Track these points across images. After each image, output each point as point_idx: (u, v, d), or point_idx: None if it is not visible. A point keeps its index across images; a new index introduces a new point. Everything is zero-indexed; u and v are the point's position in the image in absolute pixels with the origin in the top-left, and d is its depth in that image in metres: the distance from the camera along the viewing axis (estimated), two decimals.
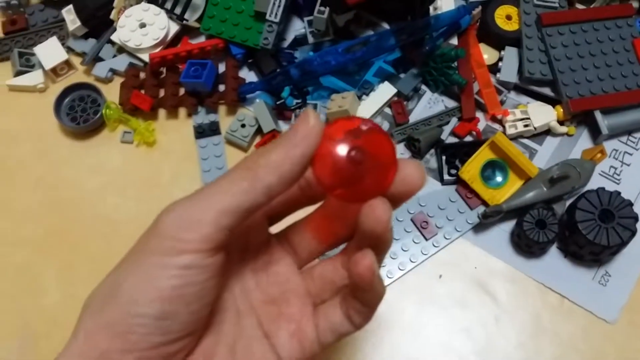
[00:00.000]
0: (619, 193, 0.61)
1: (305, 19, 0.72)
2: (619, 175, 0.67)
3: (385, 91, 0.71)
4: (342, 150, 0.31)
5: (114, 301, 0.30)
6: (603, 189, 0.62)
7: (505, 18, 0.71)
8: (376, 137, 0.32)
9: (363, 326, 0.35)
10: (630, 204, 0.61)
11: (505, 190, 0.65)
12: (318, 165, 0.32)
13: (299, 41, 0.74)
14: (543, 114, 0.68)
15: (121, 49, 0.74)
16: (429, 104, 0.71)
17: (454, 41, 0.71)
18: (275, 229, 0.40)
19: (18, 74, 0.74)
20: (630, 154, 0.68)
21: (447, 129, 0.69)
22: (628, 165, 0.68)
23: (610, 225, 0.60)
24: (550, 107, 0.69)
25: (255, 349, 0.35)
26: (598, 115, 0.67)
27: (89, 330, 0.30)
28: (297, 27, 0.75)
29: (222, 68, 0.73)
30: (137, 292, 0.30)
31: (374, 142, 0.32)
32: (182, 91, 0.72)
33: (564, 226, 0.63)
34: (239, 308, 0.36)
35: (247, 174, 0.31)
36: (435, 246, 0.65)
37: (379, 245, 0.33)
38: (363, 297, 0.34)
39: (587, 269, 0.63)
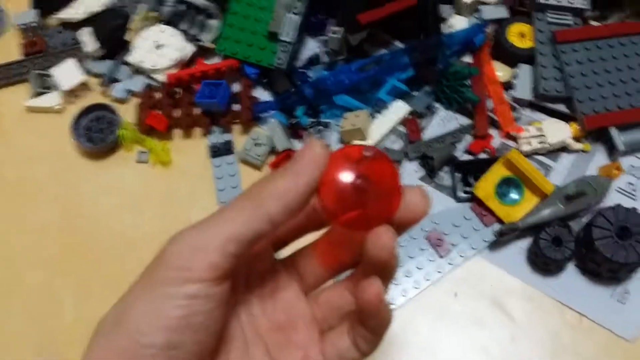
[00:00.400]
0: (636, 210, 0.60)
1: (319, 38, 0.73)
2: (636, 191, 0.67)
3: (398, 109, 0.71)
4: (346, 178, 0.31)
5: (122, 329, 0.30)
6: (620, 205, 0.61)
7: (519, 35, 0.71)
8: (380, 165, 0.32)
9: (370, 353, 0.35)
10: None
11: (520, 208, 0.65)
12: (323, 194, 0.32)
13: (313, 60, 0.75)
14: (558, 131, 0.68)
15: (137, 70, 0.75)
16: (442, 122, 0.71)
17: (468, 59, 0.71)
18: (281, 254, 0.40)
19: (36, 95, 0.75)
20: None
21: (461, 146, 0.69)
22: None
23: (627, 243, 0.59)
24: (565, 123, 0.68)
25: None
26: (614, 131, 0.67)
27: (99, 357, 0.30)
28: (311, 46, 0.76)
29: (236, 88, 0.73)
30: (144, 321, 0.30)
31: (378, 170, 0.32)
32: (197, 111, 0.72)
33: (581, 243, 0.62)
34: (246, 336, 0.35)
35: (251, 203, 0.31)
36: (450, 264, 0.65)
37: (385, 272, 0.33)
38: (370, 324, 0.34)
39: (605, 287, 0.63)
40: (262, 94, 0.74)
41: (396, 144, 0.71)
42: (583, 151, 0.69)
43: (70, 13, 0.77)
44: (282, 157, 0.69)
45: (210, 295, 0.30)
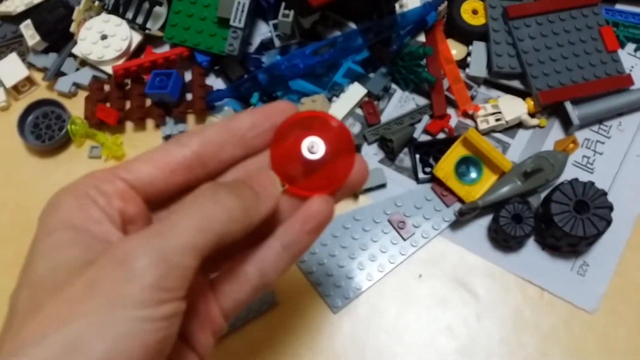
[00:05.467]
0: (593, 183, 0.61)
1: (271, 22, 0.71)
2: (592, 164, 0.67)
3: (355, 92, 0.70)
4: (299, 148, 0.32)
5: None
6: (577, 179, 0.62)
7: (472, 12, 0.71)
8: (331, 131, 0.32)
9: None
10: (605, 194, 0.61)
11: (480, 186, 0.65)
12: (273, 163, 0.32)
13: (266, 45, 0.73)
14: (514, 107, 0.68)
15: (84, 62, 0.72)
16: (400, 103, 0.71)
17: (422, 38, 0.71)
18: None
19: None
20: (603, 143, 0.68)
21: (420, 127, 0.69)
22: (601, 154, 0.68)
23: (585, 216, 0.60)
24: (520, 100, 0.68)
25: None
26: (568, 105, 0.67)
27: None
28: (263, 30, 0.74)
29: (188, 76, 0.71)
30: (118, 354, 0.24)
31: (328, 137, 0.32)
32: (148, 102, 0.70)
33: (540, 219, 0.62)
34: None
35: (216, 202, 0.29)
36: (413, 246, 0.65)
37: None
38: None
39: (565, 260, 0.64)
40: (215, 82, 0.72)
41: (354, 128, 0.70)
42: (539, 126, 0.69)
43: (9, 5, 0.73)
44: None
45: (183, 311, 0.27)
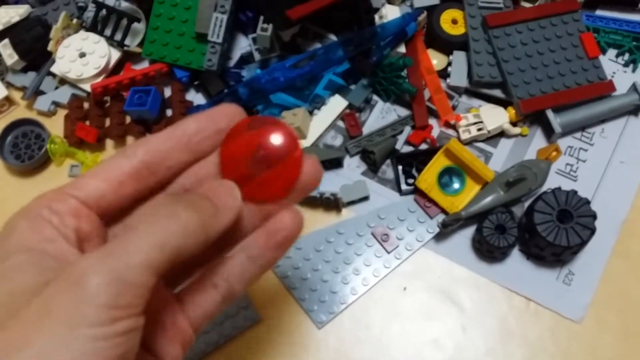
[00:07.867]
0: (576, 192, 0.61)
1: (250, 36, 0.71)
2: (575, 172, 0.67)
3: (336, 104, 0.70)
4: (238, 152, 0.32)
5: None
6: (559, 188, 0.61)
7: (451, 22, 0.70)
8: (274, 134, 0.33)
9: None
10: (588, 202, 0.60)
11: (463, 197, 0.65)
12: (222, 169, 0.33)
13: (246, 59, 0.72)
14: (495, 117, 0.67)
15: (63, 81, 0.72)
16: (381, 114, 0.70)
17: (402, 49, 0.70)
18: None
19: None
20: (586, 150, 0.68)
21: (402, 138, 0.68)
22: (584, 161, 0.68)
23: (569, 226, 0.59)
24: (502, 108, 0.68)
25: None
26: (550, 114, 0.67)
27: None
28: (243, 44, 0.73)
29: (168, 92, 0.71)
30: None
31: (271, 140, 0.32)
32: (128, 119, 0.70)
33: (524, 229, 0.62)
34: None
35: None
36: (397, 258, 0.64)
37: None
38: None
39: (551, 270, 0.63)
40: (196, 97, 0.72)
41: (336, 140, 0.70)
42: (521, 135, 0.69)
43: None
44: None
45: (141, 326, 0.27)
